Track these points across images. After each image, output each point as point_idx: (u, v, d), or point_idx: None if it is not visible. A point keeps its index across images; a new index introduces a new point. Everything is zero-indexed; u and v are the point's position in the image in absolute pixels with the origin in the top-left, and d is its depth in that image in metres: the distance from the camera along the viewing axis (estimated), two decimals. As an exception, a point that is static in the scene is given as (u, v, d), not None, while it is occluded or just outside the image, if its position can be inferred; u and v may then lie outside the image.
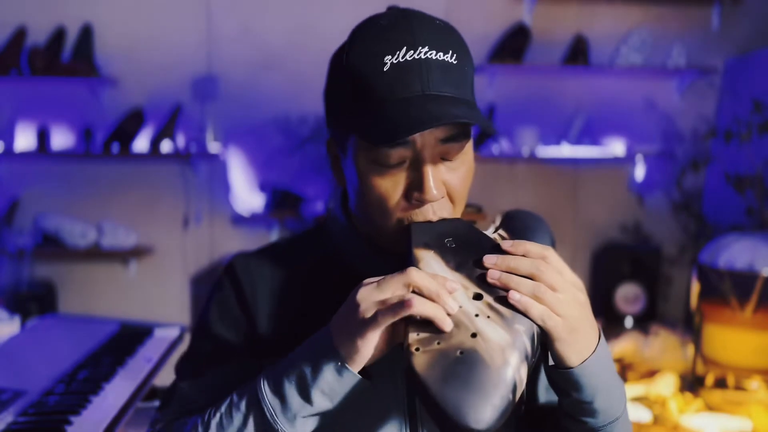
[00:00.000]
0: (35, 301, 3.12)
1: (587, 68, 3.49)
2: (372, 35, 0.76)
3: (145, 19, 3.36)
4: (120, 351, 1.69)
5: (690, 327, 3.22)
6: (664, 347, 3.16)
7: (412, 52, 0.73)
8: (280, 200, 3.39)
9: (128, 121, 3.29)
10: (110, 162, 3.42)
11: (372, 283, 0.69)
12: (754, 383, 2.81)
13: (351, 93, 0.75)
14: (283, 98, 3.40)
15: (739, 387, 2.83)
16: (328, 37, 3.30)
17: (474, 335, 0.65)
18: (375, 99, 0.74)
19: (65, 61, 3.24)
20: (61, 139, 3.37)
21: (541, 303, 0.67)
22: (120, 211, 3.44)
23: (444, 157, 0.76)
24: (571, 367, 0.70)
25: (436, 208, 0.77)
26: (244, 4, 3.42)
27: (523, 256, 0.70)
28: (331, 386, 0.69)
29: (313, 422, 0.73)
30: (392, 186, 0.75)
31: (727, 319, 2.78)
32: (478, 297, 0.68)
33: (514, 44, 3.43)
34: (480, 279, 0.69)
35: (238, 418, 0.73)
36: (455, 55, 0.76)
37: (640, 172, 3.67)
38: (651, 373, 2.94)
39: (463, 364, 0.63)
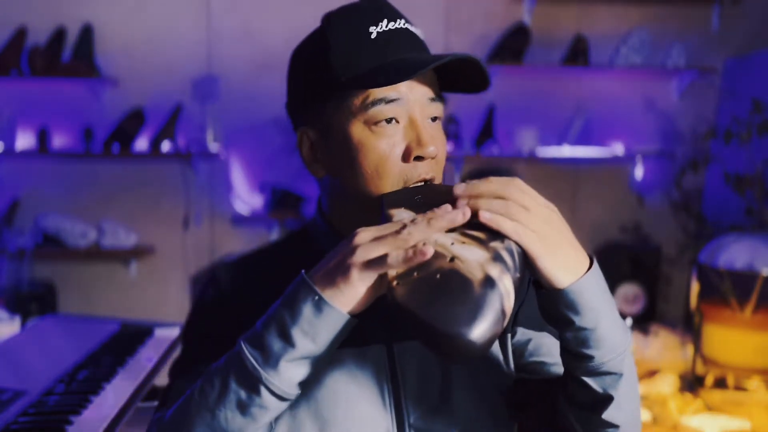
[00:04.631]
0: (35, 301, 3.11)
1: (587, 68, 3.49)
2: (349, 15, 0.80)
3: (145, 19, 3.36)
4: (120, 351, 1.69)
5: (690, 327, 3.21)
6: (663, 347, 3.16)
7: (393, 23, 0.80)
8: (280, 200, 3.40)
9: (128, 121, 3.29)
10: (110, 162, 3.42)
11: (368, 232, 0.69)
12: (754, 383, 2.81)
13: (340, 66, 0.78)
14: (283, 98, 3.38)
15: (738, 387, 2.83)
16: (328, 37, 3.31)
17: (452, 260, 0.65)
18: (371, 61, 0.78)
19: (65, 61, 3.24)
20: (61, 139, 3.37)
21: (513, 220, 0.68)
22: (120, 211, 3.44)
23: (431, 118, 0.81)
24: (562, 288, 0.69)
25: (430, 168, 0.80)
26: (244, 4, 3.42)
27: None
28: (311, 323, 0.67)
29: (300, 368, 0.69)
30: (389, 147, 0.78)
31: (727, 319, 2.78)
32: (452, 230, 0.68)
33: (513, 44, 3.43)
34: None
35: (218, 380, 0.70)
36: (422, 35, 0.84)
37: (639, 172, 3.67)
38: (651, 373, 2.94)
39: (445, 284, 0.63)
